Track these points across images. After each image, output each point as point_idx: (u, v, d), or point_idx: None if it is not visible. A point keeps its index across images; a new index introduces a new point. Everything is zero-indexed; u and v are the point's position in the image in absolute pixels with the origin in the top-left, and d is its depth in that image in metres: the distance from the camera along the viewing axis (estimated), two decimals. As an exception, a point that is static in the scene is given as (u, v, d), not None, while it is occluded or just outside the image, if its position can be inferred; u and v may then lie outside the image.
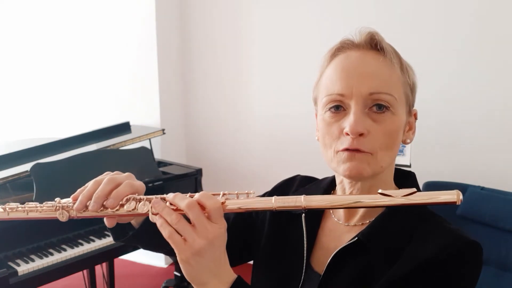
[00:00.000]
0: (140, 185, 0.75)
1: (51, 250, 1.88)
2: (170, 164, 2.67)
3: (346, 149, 0.71)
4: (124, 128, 2.67)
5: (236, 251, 0.91)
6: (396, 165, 2.23)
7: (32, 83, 3.66)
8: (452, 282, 0.66)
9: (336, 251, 0.74)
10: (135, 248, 2.18)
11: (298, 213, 0.83)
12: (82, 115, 3.32)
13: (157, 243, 0.78)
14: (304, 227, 0.81)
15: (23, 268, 1.75)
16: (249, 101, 3.08)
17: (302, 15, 2.80)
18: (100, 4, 3.09)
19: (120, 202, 0.70)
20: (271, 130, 3.02)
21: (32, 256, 1.83)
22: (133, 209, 0.68)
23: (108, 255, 2.12)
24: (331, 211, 0.83)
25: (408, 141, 0.79)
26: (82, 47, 3.23)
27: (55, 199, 0.72)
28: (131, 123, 2.72)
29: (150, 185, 2.20)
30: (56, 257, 1.85)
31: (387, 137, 0.72)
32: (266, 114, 3.03)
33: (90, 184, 0.76)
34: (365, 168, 0.71)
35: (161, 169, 2.52)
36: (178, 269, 2.73)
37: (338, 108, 0.72)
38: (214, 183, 3.10)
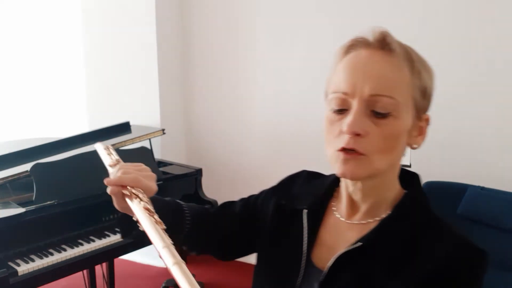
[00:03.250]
0: (147, 186, 0.79)
1: (51, 250, 1.88)
2: (170, 164, 2.67)
3: (343, 149, 0.71)
4: (124, 128, 2.67)
5: (244, 242, 0.94)
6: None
7: (32, 83, 3.67)
8: None
9: (340, 253, 0.74)
10: (135, 248, 2.18)
11: (299, 209, 0.84)
12: (82, 115, 3.32)
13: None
14: (305, 222, 0.82)
15: (23, 268, 1.75)
16: (249, 101, 3.08)
17: (303, 16, 2.81)
18: (100, 4, 3.09)
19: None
20: (271, 130, 3.02)
21: (32, 256, 1.83)
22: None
23: (108, 255, 2.12)
24: (333, 207, 0.83)
25: (415, 146, 0.78)
26: (82, 47, 3.23)
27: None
28: (131, 123, 2.72)
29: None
30: (56, 257, 1.85)
31: (386, 140, 0.71)
32: (266, 114, 3.03)
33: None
34: (358, 170, 0.71)
35: (161, 169, 2.51)
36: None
37: (341, 110, 0.73)
38: (214, 183, 3.10)
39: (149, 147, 2.47)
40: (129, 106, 3.11)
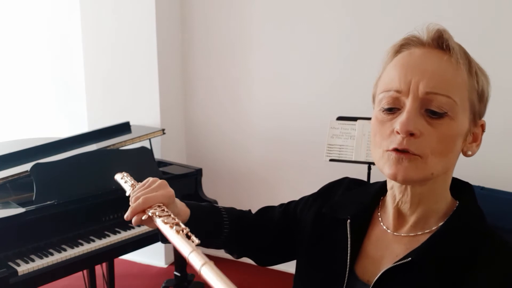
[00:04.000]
0: (162, 196, 0.82)
1: (51, 250, 1.88)
2: (170, 164, 2.67)
3: (395, 149, 0.66)
4: (124, 128, 2.67)
5: (282, 250, 0.93)
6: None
7: (32, 83, 3.67)
8: None
9: (387, 268, 0.69)
10: (135, 248, 2.18)
11: (343, 218, 0.80)
12: (82, 115, 3.32)
13: (203, 238, 0.84)
14: (349, 232, 0.78)
15: (23, 268, 1.75)
16: (249, 101, 3.08)
17: (304, 16, 2.81)
18: (100, 4, 3.09)
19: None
20: (271, 130, 3.02)
21: (32, 256, 1.83)
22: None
23: (108, 255, 2.12)
24: (379, 218, 0.79)
25: (470, 153, 0.72)
26: (81, 46, 3.23)
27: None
28: (131, 123, 2.72)
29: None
30: (56, 257, 1.85)
31: (442, 142, 0.66)
32: (266, 114, 3.03)
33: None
34: (411, 171, 0.66)
35: (161, 169, 2.52)
36: (178, 269, 2.74)
37: (392, 109, 0.69)
38: (214, 183, 3.10)
39: (149, 147, 2.47)
40: (129, 106, 3.11)
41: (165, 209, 0.76)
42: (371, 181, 2.29)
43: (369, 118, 2.29)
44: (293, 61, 2.88)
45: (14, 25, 3.65)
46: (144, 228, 2.14)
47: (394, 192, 0.74)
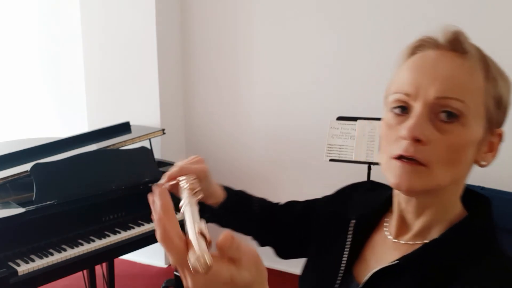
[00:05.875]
0: (197, 169, 0.83)
1: (51, 250, 1.88)
2: (170, 164, 2.66)
3: (400, 156, 0.63)
4: (124, 128, 2.67)
5: (296, 243, 0.94)
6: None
7: (32, 83, 3.67)
8: None
9: (375, 270, 0.69)
10: (135, 248, 2.18)
11: (349, 219, 0.80)
12: (82, 115, 3.32)
13: (235, 225, 0.94)
14: (350, 233, 0.78)
15: (23, 268, 1.75)
16: (249, 101, 3.08)
17: (303, 16, 2.81)
18: (100, 4, 3.09)
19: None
20: (271, 130, 3.02)
21: (32, 256, 1.82)
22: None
23: (108, 255, 2.12)
24: (385, 223, 0.77)
25: (484, 163, 0.69)
26: (81, 46, 3.23)
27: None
28: (131, 123, 2.72)
29: (150, 185, 2.20)
30: (56, 257, 1.85)
31: (451, 150, 0.62)
32: (266, 114, 3.03)
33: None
34: (416, 182, 0.63)
35: (161, 169, 2.51)
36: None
37: (403, 109, 0.65)
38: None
39: (149, 147, 2.47)
40: (129, 106, 3.11)
41: (194, 180, 0.79)
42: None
43: (369, 118, 2.30)
44: (293, 61, 2.88)
45: (14, 25, 3.64)
46: (144, 228, 2.15)
47: (399, 200, 0.72)
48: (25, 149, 2.20)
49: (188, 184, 0.75)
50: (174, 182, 0.79)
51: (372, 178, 2.28)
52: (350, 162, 2.25)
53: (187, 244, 0.48)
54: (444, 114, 0.62)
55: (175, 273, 2.76)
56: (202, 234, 0.48)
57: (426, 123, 0.62)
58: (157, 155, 2.73)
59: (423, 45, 0.68)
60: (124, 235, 2.07)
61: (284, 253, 0.99)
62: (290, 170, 2.93)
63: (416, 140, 0.62)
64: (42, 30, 3.51)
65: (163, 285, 2.88)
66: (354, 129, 2.28)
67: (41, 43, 3.54)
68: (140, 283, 3.02)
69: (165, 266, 3.20)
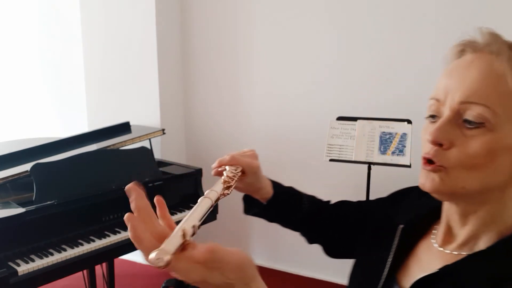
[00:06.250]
0: (246, 163, 0.85)
1: (51, 250, 1.88)
2: (170, 164, 2.67)
3: (424, 158, 0.65)
4: (124, 128, 2.67)
5: (347, 244, 0.94)
6: (396, 165, 2.24)
7: (32, 83, 3.67)
8: None
9: (418, 278, 0.67)
10: (135, 248, 2.18)
11: (398, 223, 0.79)
12: (82, 115, 3.32)
13: (282, 221, 0.96)
14: (397, 238, 0.77)
15: (23, 268, 1.75)
16: (249, 101, 3.08)
17: (303, 16, 2.81)
18: (100, 4, 3.09)
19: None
20: (271, 130, 3.02)
21: (32, 256, 1.83)
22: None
23: (108, 255, 2.12)
24: (434, 230, 0.75)
25: None
26: (81, 46, 3.23)
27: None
28: (131, 123, 2.72)
29: (150, 185, 2.20)
30: (56, 257, 1.85)
31: (474, 156, 0.61)
32: (266, 114, 3.03)
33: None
34: (437, 183, 0.63)
35: (161, 169, 2.51)
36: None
37: (433, 117, 0.67)
38: (214, 183, 3.09)
39: (149, 147, 2.47)
40: (129, 106, 3.11)
41: (239, 173, 0.82)
42: (371, 181, 2.29)
43: (369, 118, 2.30)
44: (293, 61, 2.88)
45: (14, 25, 3.64)
46: (144, 228, 2.15)
47: (445, 206, 0.71)
48: (25, 149, 2.20)
49: (225, 175, 0.78)
50: (221, 169, 0.83)
51: (372, 178, 2.28)
52: (350, 162, 2.25)
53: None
54: (468, 117, 0.62)
55: (175, 273, 2.76)
56: (183, 235, 0.53)
57: (450, 128, 0.63)
58: (157, 155, 2.73)
59: (464, 49, 0.67)
60: (124, 235, 2.07)
61: (332, 252, 0.99)
62: (290, 170, 2.93)
63: (438, 144, 0.63)
64: (42, 30, 3.51)
65: (163, 285, 2.88)
66: (354, 129, 2.28)
67: (41, 43, 3.54)
68: (140, 283, 3.02)
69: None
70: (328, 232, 0.97)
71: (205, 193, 0.67)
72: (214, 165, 0.84)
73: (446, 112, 0.64)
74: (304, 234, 1.00)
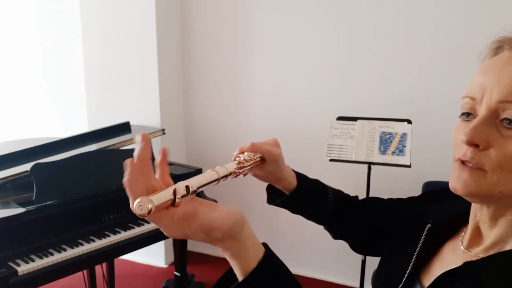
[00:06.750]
0: (267, 150, 0.83)
1: (51, 250, 1.88)
2: (170, 164, 2.66)
3: (459, 160, 0.62)
4: (124, 128, 2.67)
5: (375, 241, 0.93)
6: (396, 165, 2.23)
7: (32, 83, 3.67)
8: None
9: (440, 274, 0.66)
10: (135, 248, 2.18)
11: (426, 222, 0.77)
12: (82, 115, 3.32)
13: (305, 214, 0.95)
14: (423, 237, 0.75)
15: (23, 268, 1.75)
16: (249, 101, 3.08)
17: (303, 16, 2.81)
18: (100, 4, 3.09)
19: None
20: (271, 130, 3.02)
21: (32, 256, 1.83)
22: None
23: (108, 255, 2.12)
24: (463, 232, 0.74)
25: None
26: (81, 46, 3.23)
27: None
28: (131, 123, 2.72)
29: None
30: (56, 257, 1.85)
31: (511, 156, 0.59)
32: (266, 114, 3.03)
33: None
34: (471, 185, 0.61)
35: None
36: (178, 269, 2.74)
37: (468, 115, 0.64)
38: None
39: (149, 147, 2.47)
40: (129, 106, 3.11)
41: (257, 158, 0.81)
42: (371, 181, 2.29)
43: (369, 118, 2.30)
44: (293, 61, 2.88)
45: (14, 25, 3.64)
46: (144, 228, 2.15)
47: (475, 208, 0.69)
48: (25, 149, 2.20)
49: (242, 157, 0.77)
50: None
51: (372, 178, 2.28)
52: (350, 162, 2.25)
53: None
54: (507, 115, 0.59)
55: (175, 273, 2.76)
56: (174, 192, 0.54)
57: (488, 128, 0.60)
58: (157, 155, 2.73)
59: (501, 46, 0.65)
60: (124, 235, 2.07)
61: (358, 248, 0.99)
62: (290, 170, 2.93)
63: (474, 145, 0.60)
64: (42, 30, 3.51)
65: (163, 285, 2.88)
66: (354, 129, 2.28)
67: (41, 43, 3.54)
68: (140, 283, 3.02)
69: (165, 266, 3.20)
70: (353, 228, 0.96)
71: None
72: (236, 152, 0.82)
73: (482, 111, 0.61)
74: (329, 229, 0.99)
